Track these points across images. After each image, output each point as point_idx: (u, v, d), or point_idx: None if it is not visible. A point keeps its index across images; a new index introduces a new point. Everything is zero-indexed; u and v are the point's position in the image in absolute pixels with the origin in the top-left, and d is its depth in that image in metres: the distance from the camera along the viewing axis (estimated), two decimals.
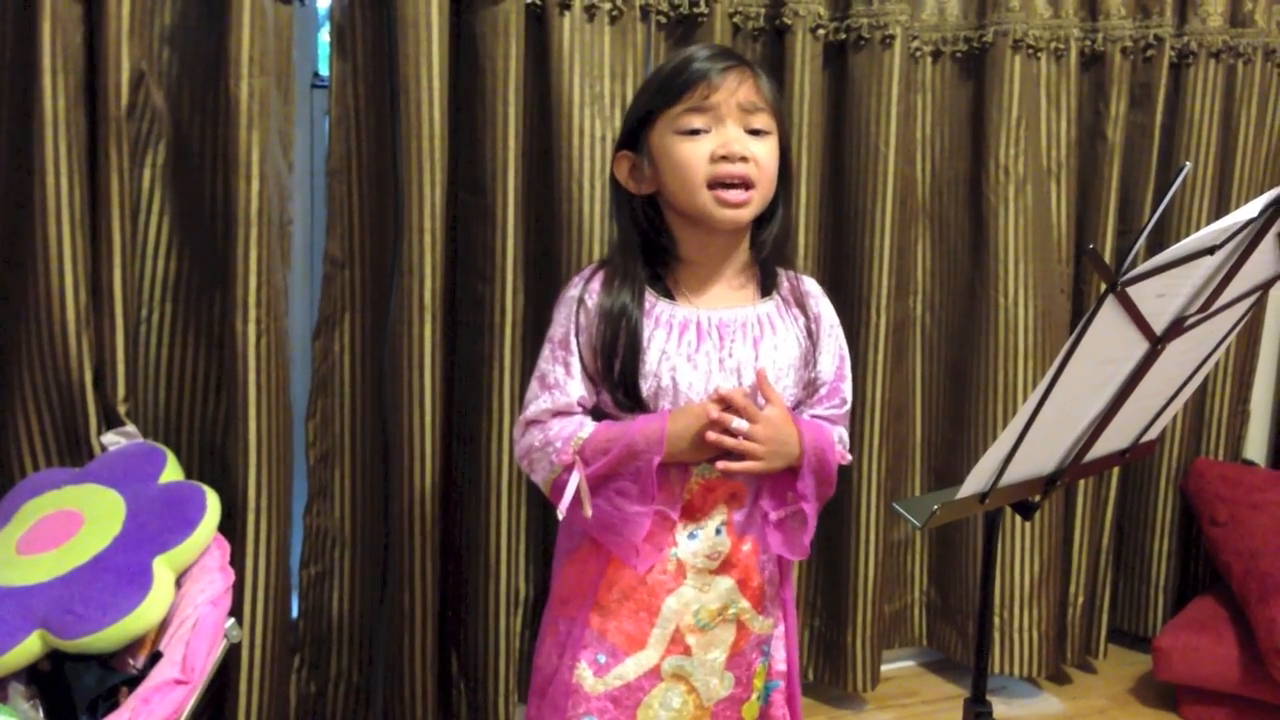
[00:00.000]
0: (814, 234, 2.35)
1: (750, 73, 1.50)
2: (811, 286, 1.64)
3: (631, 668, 1.53)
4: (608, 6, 2.10)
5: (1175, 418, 2.56)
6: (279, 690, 2.03)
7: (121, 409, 1.86)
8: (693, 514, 1.52)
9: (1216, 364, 2.29)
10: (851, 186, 2.39)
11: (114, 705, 1.50)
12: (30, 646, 1.50)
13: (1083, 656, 2.75)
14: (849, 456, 1.63)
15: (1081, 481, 2.64)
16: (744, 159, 1.47)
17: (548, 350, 1.55)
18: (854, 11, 2.32)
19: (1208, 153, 2.64)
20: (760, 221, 1.56)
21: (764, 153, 1.49)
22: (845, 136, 2.39)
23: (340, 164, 2.05)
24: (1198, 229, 2.62)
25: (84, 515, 1.66)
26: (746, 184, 1.48)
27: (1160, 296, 1.25)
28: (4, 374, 1.86)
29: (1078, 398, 1.34)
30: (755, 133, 1.49)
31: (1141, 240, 1.21)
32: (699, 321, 1.51)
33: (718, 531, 1.53)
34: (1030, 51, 2.44)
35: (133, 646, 1.58)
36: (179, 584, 1.66)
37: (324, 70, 2.23)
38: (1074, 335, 1.22)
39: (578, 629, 1.54)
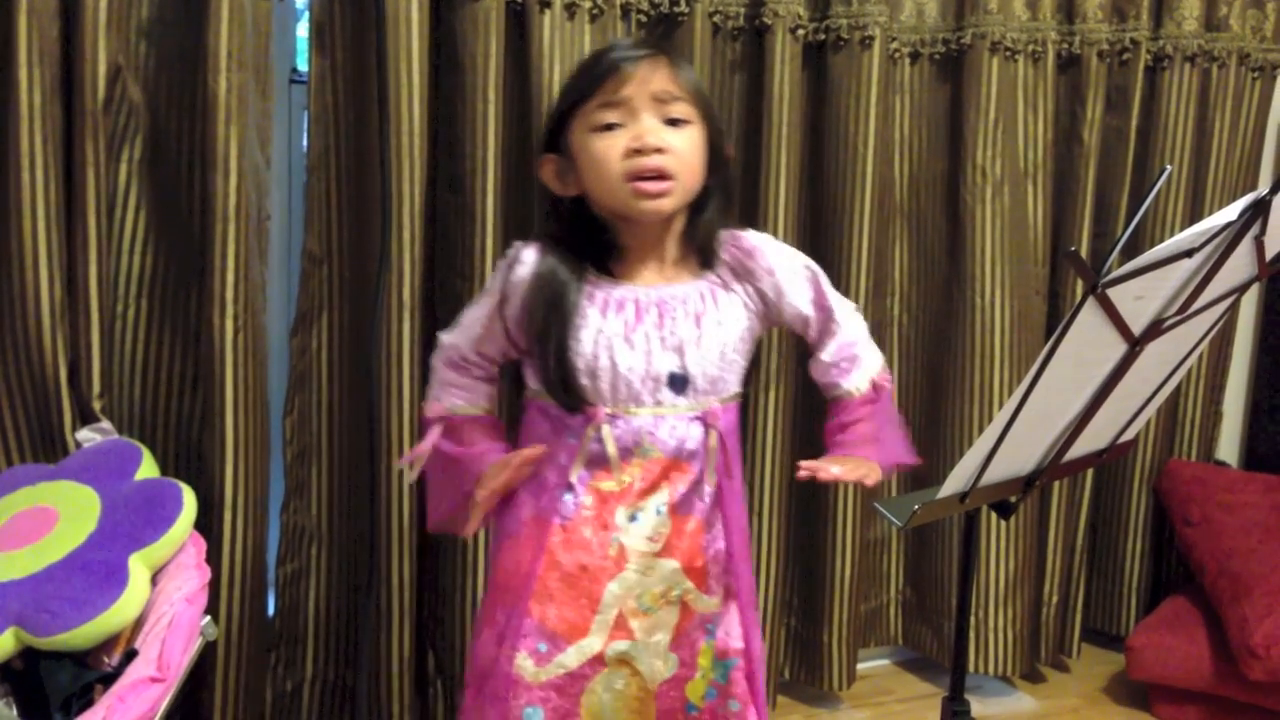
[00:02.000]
0: (792, 233, 2.35)
1: (665, 61, 1.45)
2: (754, 240, 1.57)
3: (574, 656, 1.50)
4: (588, 5, 2.09)
5: (1149, 419, 2.58)
6: (255, 688, 2.02)
7: (96, 405, 1.85)
8: (633, 495, 1.50)
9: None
10: (830, 186, 2.40)
11: (88, 703, 1.49)
12: (4, 644, 1.49)
13: (1057, 656, 2.77)
14: (888, 378, 1.67)
15: (1056, 482, 2.65)
16: (659, 150, 1.42)
17: (479, 297, 1.59)
18: (833, 12, 2.33)
19: (1182, 156, 2.66)
20: (696, 210, 1.52)
21: (681, 142, 1.44)
22: (824, 136, 2.39)
23: (319, 160, 2.04)
24: (1172, 232, 2.65)
25: (58, 512, 1.64)
26: (662, 176, 1.43)
27: (1139, 298, 1.26)
28: None
29: (1057, 398, 1.35)
30: (674, 122, 1.44)
31: (1121, 243, 1.22)
32: (637, 299, 1.48)
33: (658, 512, 1.51)
34: (1008, 54, 2.46)
35: (108, 644, 1.57)
36: (154, 581, 1.65)
37: (302, 66, 2.22)
38: (1054, 336, 1.23)
39: (516, 618, 1.50)
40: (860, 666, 2.63)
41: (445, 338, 1.60)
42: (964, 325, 2.52)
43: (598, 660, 1.50)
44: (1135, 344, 1.32)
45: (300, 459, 2.12)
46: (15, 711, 1.53)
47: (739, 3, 2.28)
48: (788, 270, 1.58)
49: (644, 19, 2.20)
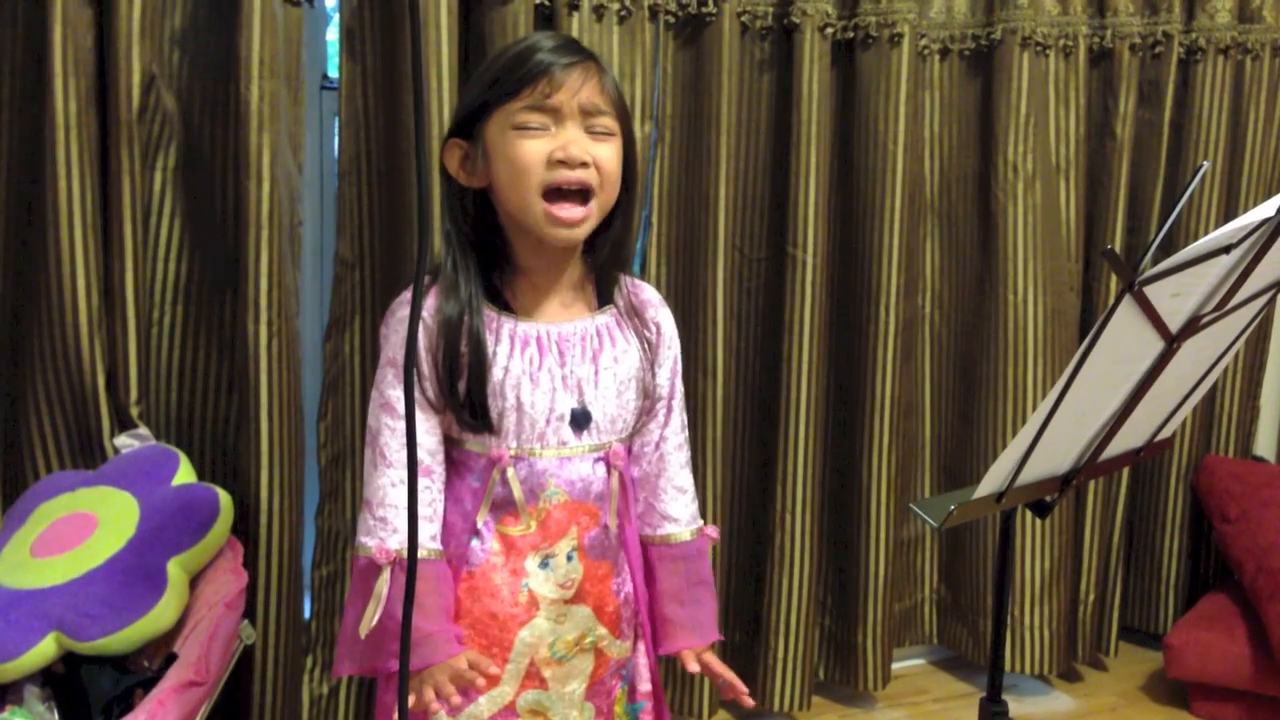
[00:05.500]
0: (823, 232, 2.34)
1: (595, 69, 1.40)
2: (650, 295, 1.56)
3: (485, 706, 1.46)
4: (616, 6, 2.10)
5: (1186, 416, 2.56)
6: (292, 691, 2.03)
7: (134, 411, 1.87)
8: (543, 540, 1.46)
9: None
10: (860, 185, 2.39)
11: (129, 707, 1.51)
12: (45, 649, 1.50)
13: (1094, 654, 2.75)
14: (711, 531, 1.60)
15: (1091, 480, 2.64)
16: (584, 164, 1.37)
17: (390, 374, 1.44)
18: (862, 10, 2.32)
19: (1216, 149, 2.64)
20: (598, 228, 1.47)
21: (607, 156, 1.39)
22: (854, 135, 2.39)
23: (350, 165, 2.04)
24: (1207, 226, 2.63)
25: (98, 518, 1.66)
26: (585, 193, 1.39)
27: (1176, 295, 1.25)
28: (17, 377, 1.86)
29: (1094, 397, 1.34)
30: (595, 135, 1.40)
31: (1158, 240, 1.21)
32: (539, 336, 1.44)
33: (569, 558, 1.48)
34: (1038, 49, 2.44)
35: (148, 648, 1.58)
36: (193, 586, 1.66)
37: (333, 72, 2.23)
38: (1090, 334, 1.22)
39: None
40: (895, 666, 2.63)
41: (395, 442, 1.44)
42: (996, 322, 2.50)
43: (509, 710, 1.47)
44: (1172, 341, 1.30)
45: (334, 463, 2.13)
46: (57, 716, 1.55)
47: (767, 2, 2.28)
48: (669, 335, 1.56)
49: (672, 19, 2.20)
